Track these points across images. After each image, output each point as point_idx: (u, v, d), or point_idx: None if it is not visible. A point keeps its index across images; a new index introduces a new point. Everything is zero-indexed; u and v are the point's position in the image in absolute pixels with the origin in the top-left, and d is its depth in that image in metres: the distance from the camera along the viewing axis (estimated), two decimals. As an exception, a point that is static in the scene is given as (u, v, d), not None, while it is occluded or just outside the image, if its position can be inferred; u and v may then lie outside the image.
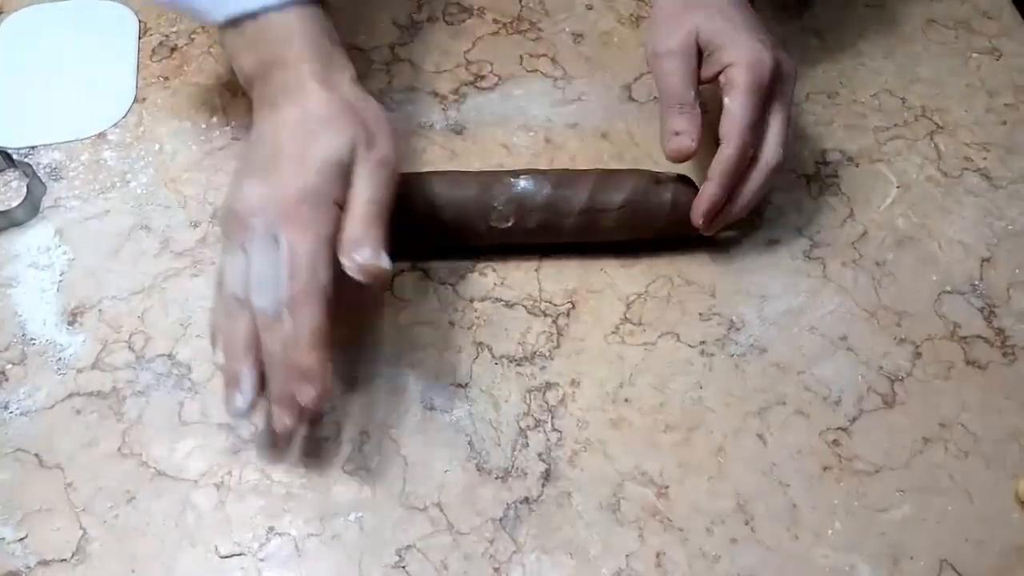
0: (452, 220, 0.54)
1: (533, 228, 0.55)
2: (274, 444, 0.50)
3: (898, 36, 0.70)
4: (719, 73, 0.53)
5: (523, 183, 0.55)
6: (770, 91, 0.53)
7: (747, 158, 0.53)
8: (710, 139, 0.54)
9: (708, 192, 0.53)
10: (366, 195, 0.46)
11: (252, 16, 0.49)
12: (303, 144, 0.46)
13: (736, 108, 0.52)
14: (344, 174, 0.46)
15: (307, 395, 0.45)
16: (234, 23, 0.50)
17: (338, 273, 0.46)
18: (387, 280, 0.46)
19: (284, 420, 0.46)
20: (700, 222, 0.54)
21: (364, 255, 0.45)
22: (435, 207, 0.54)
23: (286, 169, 0.46)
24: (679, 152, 0.53)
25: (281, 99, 0.49)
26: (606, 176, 0.55)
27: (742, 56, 0.52)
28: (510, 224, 0.54)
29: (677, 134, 0.53)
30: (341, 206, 0.46)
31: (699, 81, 0.54)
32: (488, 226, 0.55)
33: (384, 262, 0.45)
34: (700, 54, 0.54)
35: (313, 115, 0.47)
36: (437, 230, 0.55)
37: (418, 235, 0.55)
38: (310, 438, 0.50)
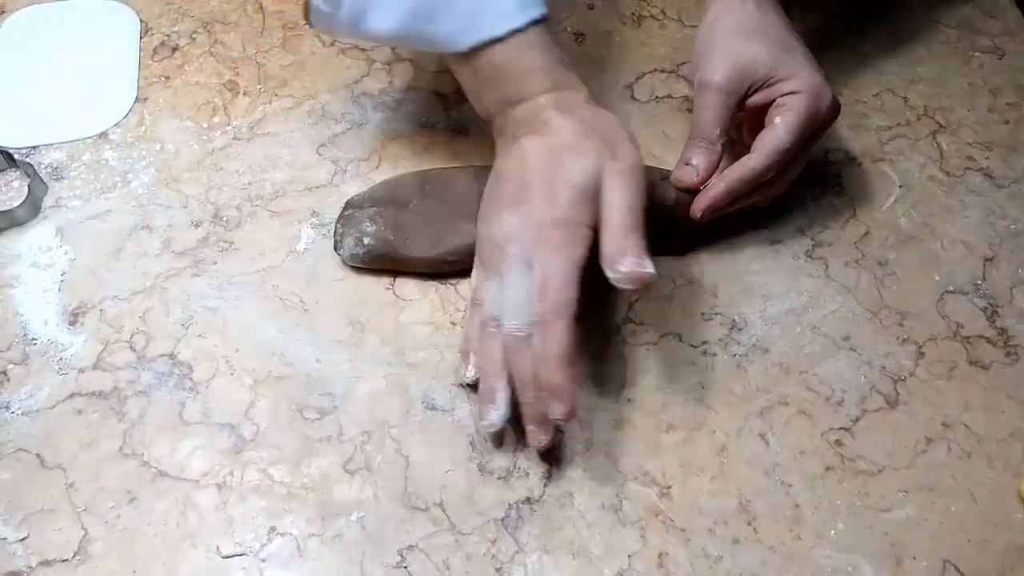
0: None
1: None
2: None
3: (900, 36, 0.70)
4: (775, 97, 0.54)
5: None
6: (818, 125, 0.54)
7: (766, 177, 0.53)
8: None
9: (714, 191, 0.53)
10: (619, 204, 0.48)
11: (485, 49, 0.50)
12: (550, 172, 0.48)
13: (783, 129, 0.52)
14: (593, 196, 0.48)
15: (556, 412, 0.46)
16: (470, 60, 0.51)
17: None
18: (651, 285, 0.47)
19: (540, 438, 0.47)
20: (699, 215, 0.54)
21: (627, 264, 0.46)
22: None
23: (537, 198, 0.48)
24: (681, 182, 0.55)
25: (522, 131, 0.50)
26: None
27: (805, 85, 0.53)
28: None
29: (688, 164, 0.55)
30: (593, 227, 0.48)
31: (738, 110, 0.55)
32: None
33: (647, 267, 0.46)
34: (748, 87, 0.54)
35: (557, 143, 0.49)
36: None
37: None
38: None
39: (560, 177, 0.48)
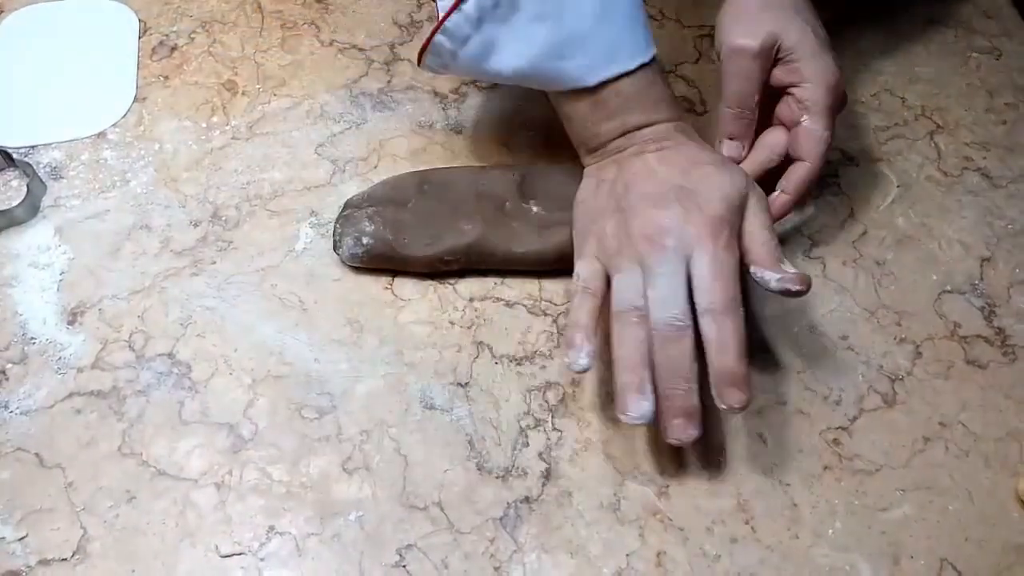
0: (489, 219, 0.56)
1: (558, 219, 0.55)
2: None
3: (898, 35, 0.70)
4: (792, 83, 0.54)
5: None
6: (836, 113, 0.55)
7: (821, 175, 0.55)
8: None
9: (781, 203, 0.55)
10: (763, 224, 0.50)
11: (612, 82, 0.51)
12: (705, 179, 0.50)
13: (819, 129, 0.54)
14: (740, 210, 0.50)
15: (735, 399, 0.46)
16: (590, 92, 0.52)
17: None
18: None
19: (689, 431, 0.46)
20: None
21: (791, 267, 0.49)
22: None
23: (699, 199, 0.49)
24: (732, 160, 0.55)
25: (650, 148, 0.52)
26: None
27: (822, 75, 0.54)
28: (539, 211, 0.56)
29: (731, 139, 0.56)
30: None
31: (767, 84, 0.55)
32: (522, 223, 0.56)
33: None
34: (776, 54, 0.55)
35: (700, 159, 0.51)
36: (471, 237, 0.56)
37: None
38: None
39: (716, 185, 0.49)
